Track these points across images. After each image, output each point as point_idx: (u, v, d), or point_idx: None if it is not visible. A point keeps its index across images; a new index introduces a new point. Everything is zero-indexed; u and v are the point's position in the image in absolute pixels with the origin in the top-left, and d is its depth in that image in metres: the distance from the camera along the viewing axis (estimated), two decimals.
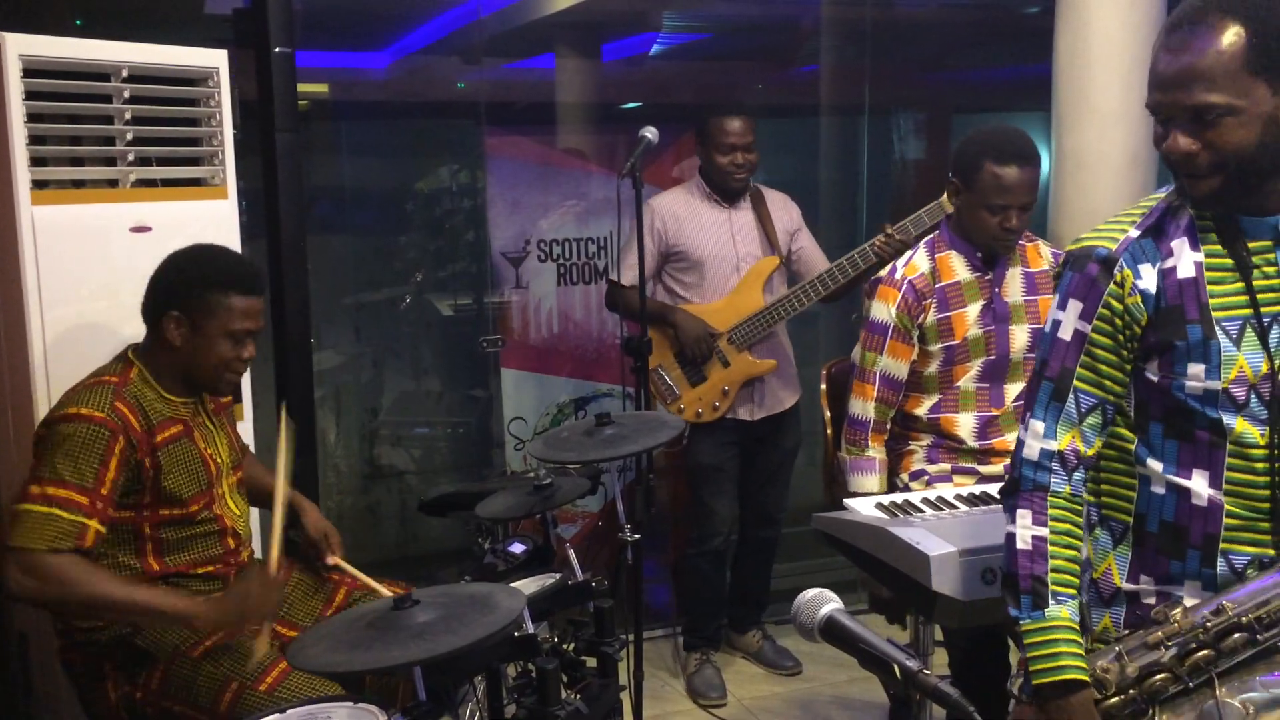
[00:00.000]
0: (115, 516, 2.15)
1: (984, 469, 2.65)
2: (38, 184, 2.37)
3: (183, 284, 2.23)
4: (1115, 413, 1.68)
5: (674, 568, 3.99)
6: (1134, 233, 1.63)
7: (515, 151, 4.20)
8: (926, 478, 2.67)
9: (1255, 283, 1.58)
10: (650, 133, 3.02)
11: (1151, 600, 1.67)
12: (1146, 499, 1.67)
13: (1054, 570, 1.64)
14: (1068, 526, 1.66)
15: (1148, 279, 1.61)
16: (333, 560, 2.52)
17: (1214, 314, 1.59)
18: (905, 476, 2.70)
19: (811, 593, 1.32)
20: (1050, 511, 1.66)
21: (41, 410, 2.37)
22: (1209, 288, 1.59)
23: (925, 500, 2.30)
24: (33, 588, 2.05)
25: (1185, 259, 1.60)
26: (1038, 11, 3.59)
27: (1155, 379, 1.63)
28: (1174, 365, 1.60)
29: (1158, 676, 1.57)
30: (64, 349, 2.42)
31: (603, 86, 4.79)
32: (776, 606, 3.82)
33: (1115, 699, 1.60)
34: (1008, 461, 2.62)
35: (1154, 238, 1.62)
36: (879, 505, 2.28)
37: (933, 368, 2.66)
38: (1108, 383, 1.65)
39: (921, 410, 2.69)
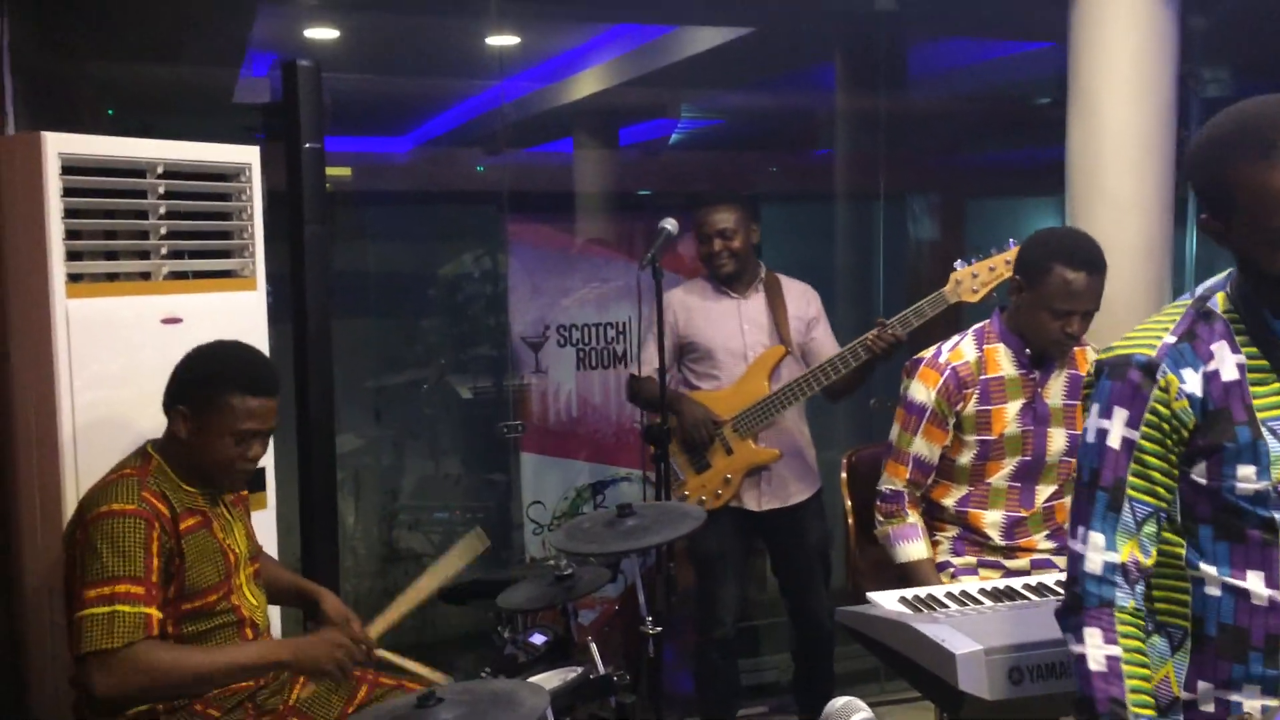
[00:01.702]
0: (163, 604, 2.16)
1: (1010, 564, 2.63)
2: (73, 277, 2.41)
3: (193, 380, 2.26)
4: (1166, 519, 1.66)
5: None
6: (1170, 338, 1.63)
7: (535, 238, 4.26)
8: (952, 570, 2.65)
9: None
10: (670, 224, 3.06)
11: (1210, 708, 1.64)
12: (1202, 601, 1.64)
13: (1131, 691, 1.59)
14: (1137, 644, 1.62)
15: (1192, 383, 1.61)
16: (380, 653, 2.52)
17: (1259, 414, 1.59)
18: (930, 541, 2.67)
19: (841, 701, 1.32)
20: (1119, 629, 1.61)
21: (69, 495, 2.40)
22: (1251, 389, 1.60)
23: (949, 595, 2.29)
24: (119, 685, 2.06)
25: (1227, 362, 1.61)
26: (1050, 102, 3.66)
27: (1203, 482, 1.62)
28: (1223, 467, 1.60)
29: None
30: (92, 435, 2.44)
31: (621, 174, 4.88)
32: (860, 690, 3.76)
33: None
34: (1033, 556, 2.64)
35: (1190, 342, 1.62)
36: (903, 599, 2.26)
37: (966, 458, 2.64)
38: (1159, 489, 1.64)
39: (950, 500, 2.68)
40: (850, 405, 4.47)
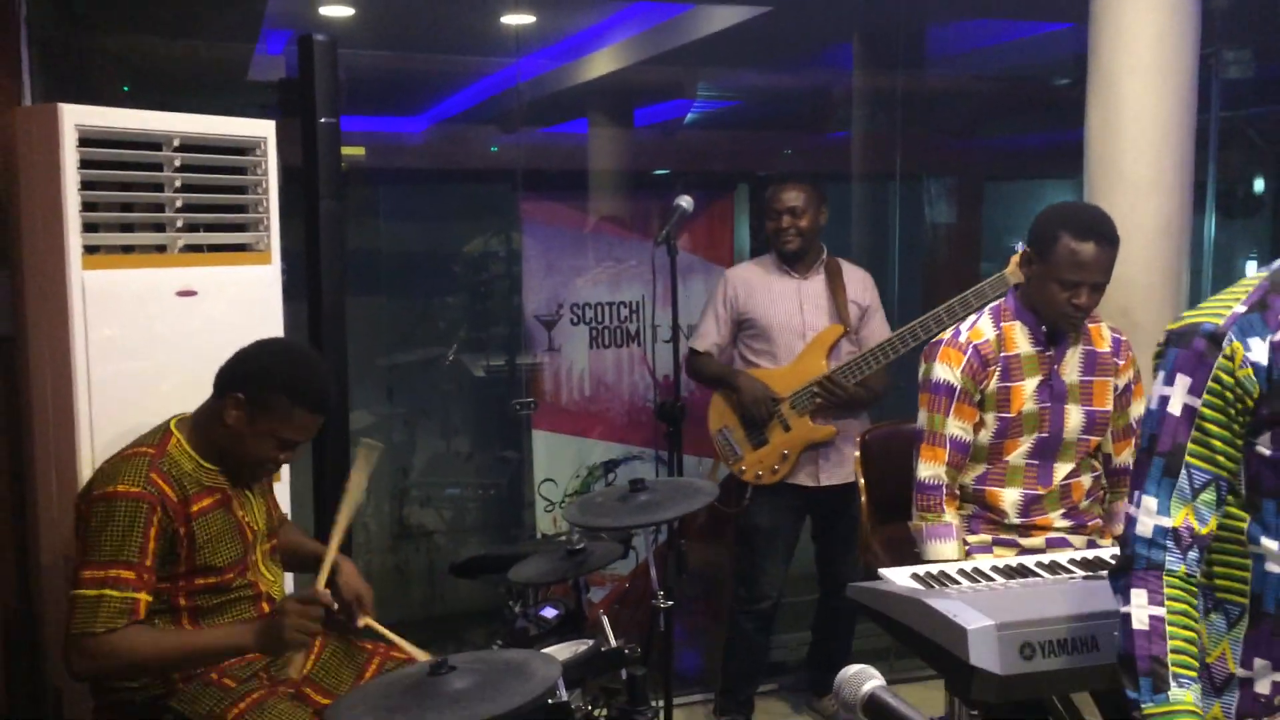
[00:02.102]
0: (156, 586, 2.18)
1: (1025, 541, 2.62)
2: (89, 249, 2.43)
3: (259, 373, 2.26)
4: (1229, 490, 1.66)
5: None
6: (1240, 308, 1.63)
7: (549, 216, 4.26)
8: (966, 547, 2.65)
9: None
10: (685, 201, 3.07)
11: (1266, 688, 1.64)
12: (1262, 578, 1.64)
13: (1173, 651, 1.60)
14: (1184, 606, 1.63)
15: (1258, 352, 1.60)
16: (363, 622, 2.53)
17: None
18: (963, 540, 2.66)
19: (853, 669, 1.32)
20: (1166, 591, 1.62)
21: (84, 468, 2.42)
22: None
23: (962, 571, 2.28)
24: (94, 668, 2.10)
25: None
26: (1069, 83, 3.63)
27: (1268, 453, 1.62)
28: None
29: None
30: (108, 408, 2.46)
31: (635, 153, 4.87)
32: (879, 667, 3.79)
33: None
34: (1049, 535, 2.63)
35: (1260, 312, 1.63)
36: (915, 576, 2.26)
37: (985, 437, 2.63)
38: (1220, 458, 1.63)
39: (967, 479, 2.66)
40: None
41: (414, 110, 5.35)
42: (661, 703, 2.96)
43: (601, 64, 4.95)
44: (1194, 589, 1.64)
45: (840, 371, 3.37)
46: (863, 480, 3.02)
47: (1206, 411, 1.62)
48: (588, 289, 4.24)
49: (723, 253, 4.27)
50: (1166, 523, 1.63)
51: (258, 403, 2.24)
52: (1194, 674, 1.60)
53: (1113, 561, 2.27)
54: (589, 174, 4.67)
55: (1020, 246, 3.04)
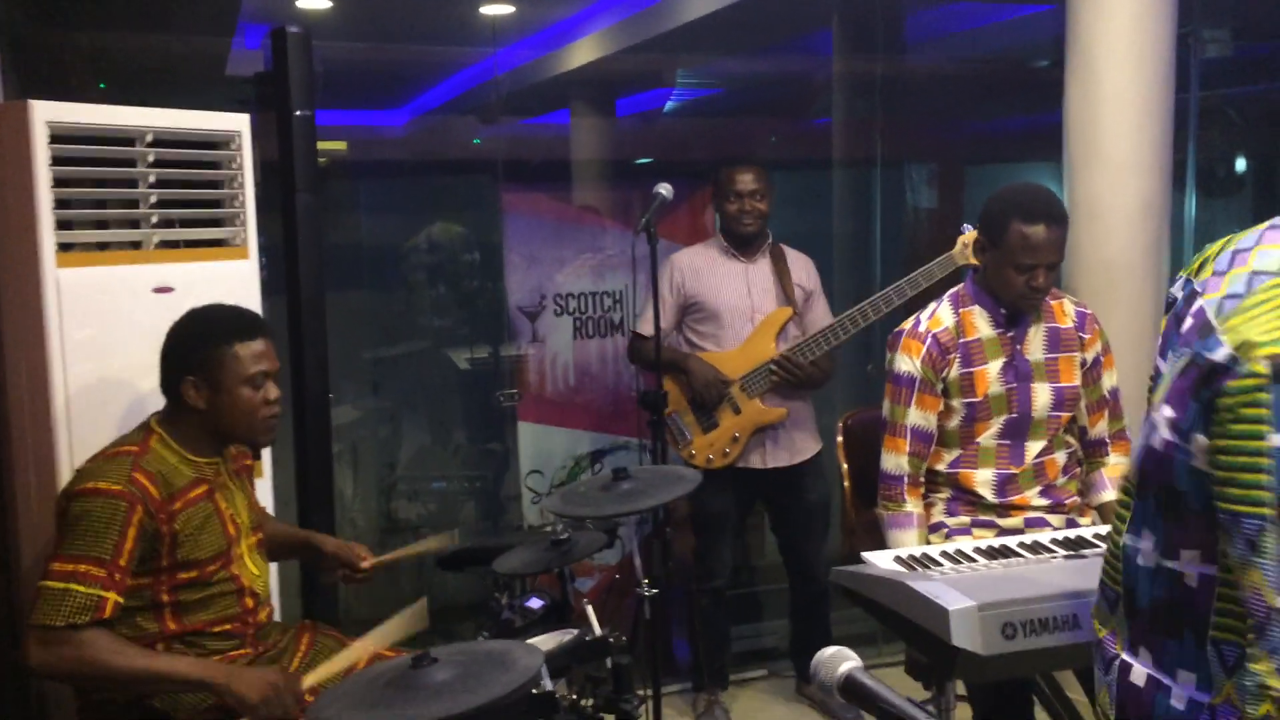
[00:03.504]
0: (132, 583, 2.16)
1: (1003, 522, 2.64)
2: (63, 246, 2.41)
3: (188, 348, 2.27)
4: None
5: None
6: None
7: (531, 207, 4.25)
8: (946, 530, 2.66)
9: None
10: (665, 189, 3.07)
11: None
12: None
13: None
14: None
15: None
16: (369, 562, 2.53)
17: None
18: (924, 529, 2.69)
19: (830, 651, 1.32)
20: None
21: (63, 467, 2.40)
22: None
23: (944, 554, 2.29)
24: (52, 662, 2.08)
25: None
26: (1048, 65, 3.63)
27: None
28: None
29: None
30: (85, 407, 2.44)
31: (617, 142, 4.86)
32: (859, 653, 3.82)
33: None
34: (1027, 515, 2.64)
35: None
36: (897, 559, 2.27)
37: (954, 422, 2.65)
38: None
39: (942, 464, 2.68)
40: (848, 370, 4.48)
41: (395, 103, 5.33)
42: (649, 690, 2.97)
43: (581, 53, 4.93)
44: None
45: (795, 351, 3.38)
46: (845, 464, 3.03)
47: None
48: (571, 279, 4.24)
49: (704, 240, 4.26)
50: None
51: (204, 369, 2.24)
52: None
53: (1095, 541, 2.28)
54: (570, 164, 4.66)
55: (967, 228, 3.07)
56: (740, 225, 3.50)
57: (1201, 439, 1.33)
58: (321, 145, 4.59)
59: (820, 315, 3.57)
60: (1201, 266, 1.49)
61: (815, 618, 3.71)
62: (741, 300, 3.50)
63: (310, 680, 2.23)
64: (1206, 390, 1.32)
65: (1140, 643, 1.46)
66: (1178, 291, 1.50)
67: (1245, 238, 1.43)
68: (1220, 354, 1.31)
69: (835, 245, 4.70)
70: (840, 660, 1.28)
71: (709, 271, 3.53)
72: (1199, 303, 1.40)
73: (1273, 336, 1.28)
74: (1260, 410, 1.27)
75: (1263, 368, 1.28)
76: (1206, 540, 1.36)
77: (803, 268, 3.60)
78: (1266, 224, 1.42)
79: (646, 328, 3.48)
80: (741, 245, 3.53)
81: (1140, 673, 1.45)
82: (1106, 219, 3.30)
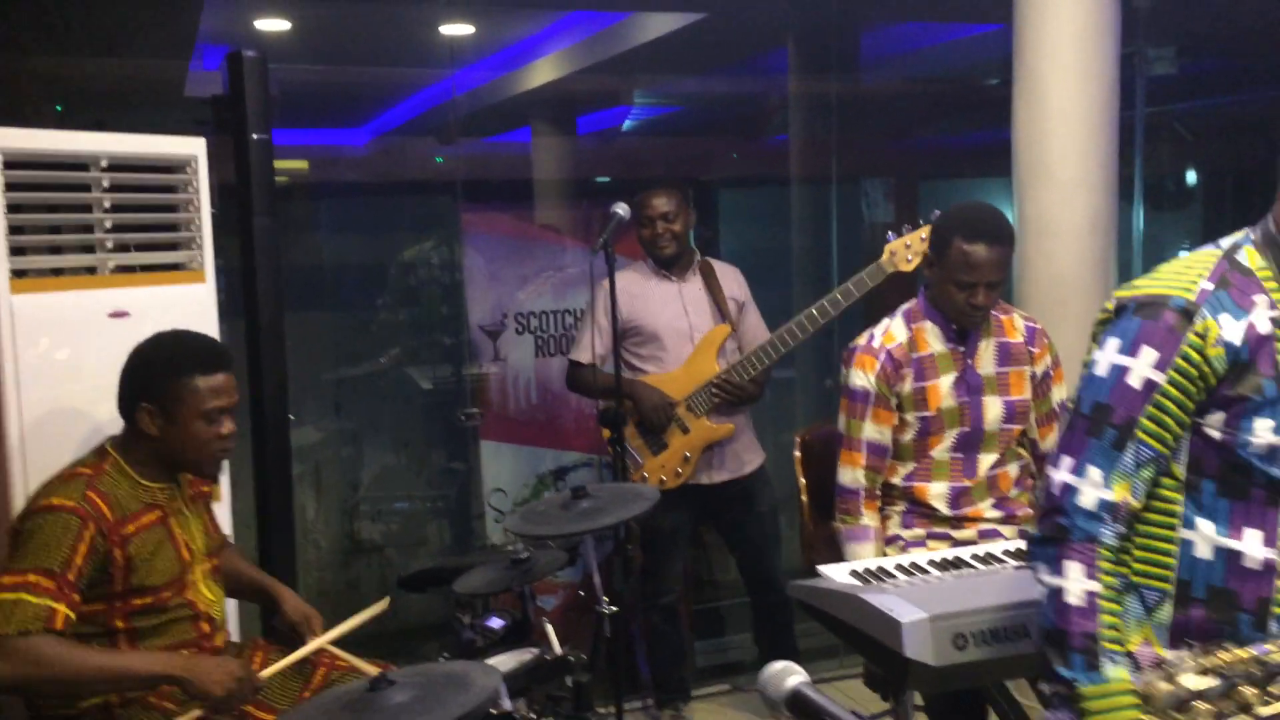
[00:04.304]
0: (86, 609, 2.15)
1: (957, 534, 2.68)
2: (16, 273, 2.40)
3: (148, 375, 2.26)
4: (1160, 471, 1.63)
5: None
6: (1207, 284, 1.59)
7: (491, 226, 4.26)
8: (902, 543, 2.69)
9: None
10: (621, 209, 3.10)
11: None
12: (1190, 564, 1.62)
13: (1105, 627, 1.57)
14: (1114, 581, 1.60)
15: (1231, 331, 1.57)
16: (314, 644, 2.52)
17: None
18: (881, 542, 2.72)
19: (778, 665, 1.34)
20: (1099, 564, 1.59)
21: (18, 492, 2.39)
22: (1278, 344, 1.58)
23: (899, 566, 2.32)
24: (5, 672, 2.05)
25: (1263, 315, 1.59)
26: (998, 83, 3.70)
27: (1217, 435, 1.59)
28: (1241, 420, 1.57)
29: (1200, 707, 1.47)
30: (41, 432, 2.43)
31: (578, 161, 4.89)
32: (819, 665, 3.90)
33: None
34: (980, 527, 2.68)
35: (1226, 290, 1.59)
36: (853, 572, 2.30)
37: (908, 436, 2.69)
38: (1169, 436, 1.59)
39: (897, 478, 2.72)
40: (805, 385, 4.53)
41: (356, 123, 5.33)
42: (611, 708, 2.98)
43: (540, 73, 4.97)
44: (1120, 566, 1.62)
45: (734, 369, 3.41)
46: (803, 479, 3.06)
47: (1168, 388, 1.57)
48: (532, 298, 4.25)
49: (637, 261, 4.29)
50: (1109, 496, 1.59)
51: (162, 398, 2.23)
52: (1122, 649, 1.58)
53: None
54: (531, 183, 4.68)
55: (892, 236, 3.14)
56: (656, 249, 3.50)
57: None
58: (283, 165, 4.61)
59: (754, 325, 3.60)
60: None
61: (779, 627, 3.73)
62: (679, 320, 3.51)
63: (268, 672, 2.25)
64: None
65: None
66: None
67: None
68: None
69: (794, 261, 4.75)
70: (787, 675, 1.31)
71: (644, 294, 3.53)
72: None
73: (1131, 285, 1.66)
74: (1099, 335, 1.66)
75: (1111, 305, 1.66)
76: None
77: (733, 279, 3.62)
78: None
79: (584, 355, 3.52)
80: (668, 265, 3.54)
81: None
82: (1055, 235, 3.36)
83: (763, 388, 3.55)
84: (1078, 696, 1.57)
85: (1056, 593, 1.60)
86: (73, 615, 2.11)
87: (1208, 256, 1.65)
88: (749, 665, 4.08)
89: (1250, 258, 1.63)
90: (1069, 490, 1.62)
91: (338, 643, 2.48)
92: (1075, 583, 1.59)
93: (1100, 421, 1.61)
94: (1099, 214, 3.37)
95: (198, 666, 2.14)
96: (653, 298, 3.53)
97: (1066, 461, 1.63)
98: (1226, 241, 1.67)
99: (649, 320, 3.51)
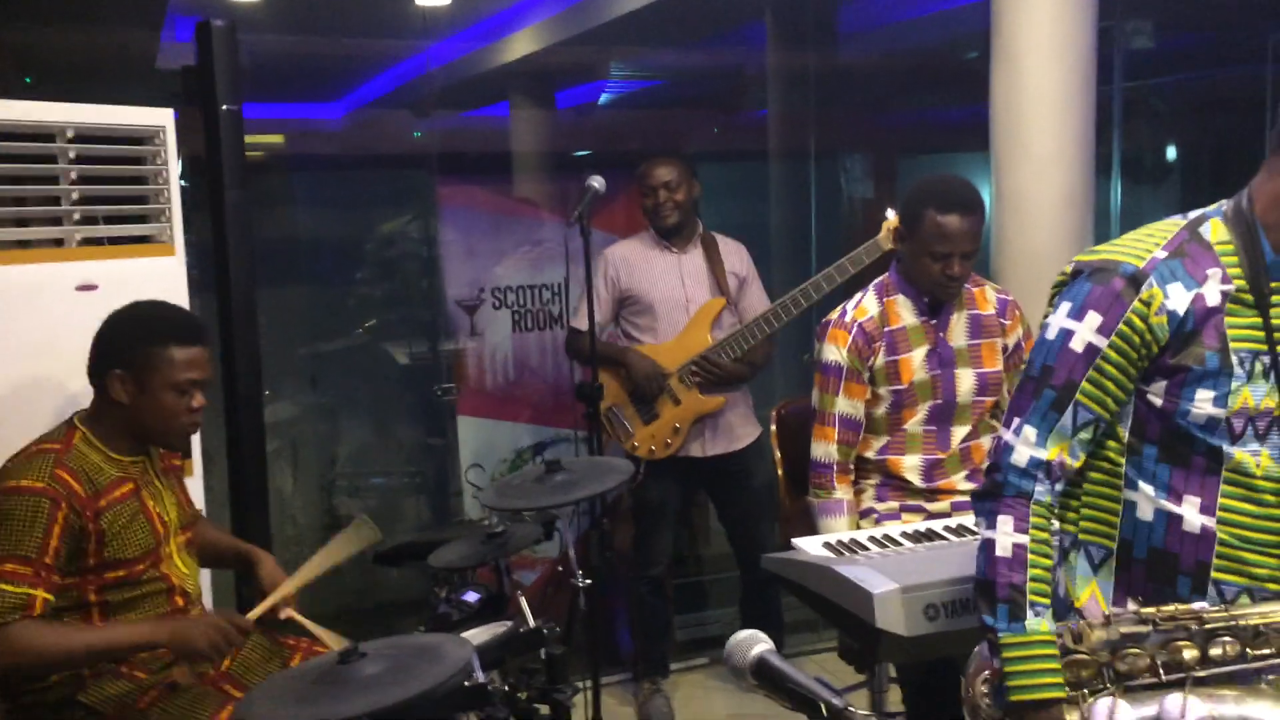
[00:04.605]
0: (61, 584, 2.14)
1: (931, 506, 2.69)
2: None
3: (122, 342, 2.24)
4: (1106, 433, 1.68)
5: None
6: (1161, 253, 1.62)
7: (468, 200, 4.24)
8: (875, 516, 2.70)
9: (1273, 320, 1.61)
10: (597, 182, 3.09)
11: None
12: (1133, 525, 1.67)
13: (1032, 580, 1.62)
14: (1046, 536, 1.66)
15: (1177, 300, 1.60)
16: (286, 614, 2.51)
17: (1231, 344, 1.60)
18: (855, 515, 2.73)
19: (743, 634, 1.35)
20: (1031, 520, 1.65)
21: None
22: (1227, 318, 1.61)
23: (872, 538, 2.33)
24: None
25: (1213, 287, 1.61)
26: (977, 56, 3.69)
27: (1159, 402, 1.63)
28: (1183, 389, 1.61)
29: (1132, 651, 1.56)
30: (8, 407, 2.41)
31: (555, 135, 4.86)
32: (797, 638, 3.91)
33: (1086, 662, 1.59)
34: (954, 499, 2.70)
35: (1180, 260, 1.62)
36: (826, 544, 2.30)
37: (881, 410, 2.70)
38: (1109, 400, 1.64)
39: (870, 451, 2.73)
40: (784, 360, 4.53)
41: (332, 97, 5.28)
42: (588, 681, 2.99)
43: (518, 46, 4.93)
44: (1054, 520, 1.68)
45: (716, 349, 3.42)
46: (779, 454, 3.07)
47: (1110, 353, 1.61)
48: (509, 272, 4.23)
49: (640, 232, 4.28)
50: (1043, 455, 1.65)
51: (134, 366, 2.22)
52: (1049, 602, 1.63)
53: None
54: (509, 156, 4.65)
55: (891, 214, 3.13)
56: (659, 219, 3.52)
57: None
58: (257, 139, 4.56)
59: (755, 301, 3.60)
60: None
61: (766, 601, 3.75)
62: (675, 291, 3.53)
63: (255, 613, 2.26)
64: None
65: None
66: None
67: None
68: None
69: (773, 236, 4.74)
70: (753, 643, 1.32)
71: (643, 264, 3.56)
72: None
73: (1090, 250, 1.70)
74: (1053, 296, 1.71)
75: (1068, 268, 1.70)
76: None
77: (736, 255, 3.63)
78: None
79: (582, 322, 3.48)
80: (670, 236, 3.56)
81: None
82: (1031, 211, 3.37)
83: (757, 365, 3.56)
84: (1000, 646, 1.63)
85: (988, 544, 1.67)
86: (51, 598, 2.10)
87: (1170, 226, 1.68)
88: (726, 640, 4.09)
89: (1214, 230, 1.65)
90: (1005, 448, 1.68)
91: (312, 613, 2.47)
92: (1005, 536, 1.65)
93: (1042, 382, 1.66)
94: (1075, 189, 3.37)
95: (180, 627, 2.15)
96: (652, 268, 3.55)
97: (1012, 421, 1.69)
98: (1195, 213, 1.69)
99: (645, 290, 3.53)
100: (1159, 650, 1.57)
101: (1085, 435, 1.66)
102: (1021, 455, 1.67)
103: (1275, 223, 1.61)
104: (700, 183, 3.60)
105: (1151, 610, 1.59)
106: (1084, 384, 1.63)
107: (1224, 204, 1.68)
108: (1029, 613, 1.61)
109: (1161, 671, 1.56)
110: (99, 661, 2.17)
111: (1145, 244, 1.65)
